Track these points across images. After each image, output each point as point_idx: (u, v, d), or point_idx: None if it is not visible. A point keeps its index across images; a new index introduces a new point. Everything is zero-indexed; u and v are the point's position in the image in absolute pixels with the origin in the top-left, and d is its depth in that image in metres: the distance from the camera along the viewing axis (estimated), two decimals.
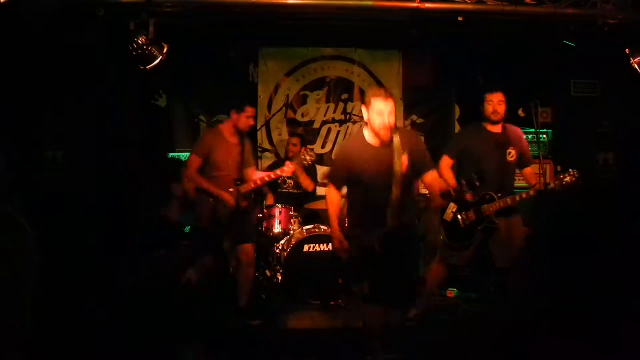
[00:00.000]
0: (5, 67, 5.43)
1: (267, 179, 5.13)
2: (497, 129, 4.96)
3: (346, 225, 4.33)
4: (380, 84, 7.48)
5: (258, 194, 6.29)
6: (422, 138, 4.35)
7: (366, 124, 3.99)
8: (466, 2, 5.34)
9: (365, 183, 3.89)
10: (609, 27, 5.37)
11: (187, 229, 6.15)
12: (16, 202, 1.42)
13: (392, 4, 5.40)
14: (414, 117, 7.54)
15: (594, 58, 6.52)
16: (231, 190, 5.00)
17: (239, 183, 5.04)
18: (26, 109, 5.98)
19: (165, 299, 4.04)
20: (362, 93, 7.45)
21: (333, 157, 4.37)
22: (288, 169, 5.11)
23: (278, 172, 5.13)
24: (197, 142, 5.21)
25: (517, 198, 4.72)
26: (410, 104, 7.54)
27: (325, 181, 4.50)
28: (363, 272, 3.90)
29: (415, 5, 5.28)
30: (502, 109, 4.92)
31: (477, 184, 4.67)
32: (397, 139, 3.80)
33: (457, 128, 7.49)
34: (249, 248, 5.13)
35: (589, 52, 6.41)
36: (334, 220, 4.01)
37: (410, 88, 7.53)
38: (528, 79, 6.64)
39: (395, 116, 3.90)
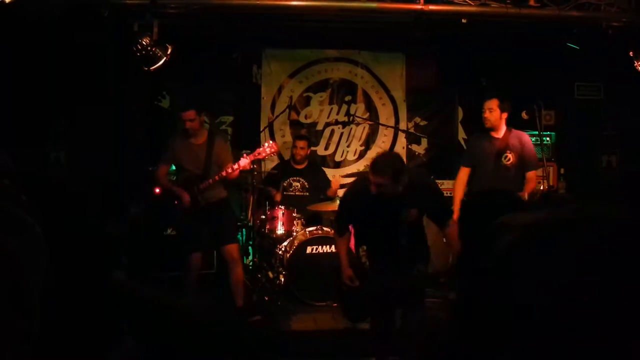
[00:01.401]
0: (8, 67, 5.45)
1: (223, 173, 5.20)
2: (498, 134, 5.08)
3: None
4: (383, 86, 7.48)
5: (264, 197, 6.31)
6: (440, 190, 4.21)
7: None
8: (470, 4, 5.35)
9: (370, 231, 3.93)
10: (613, 29, 5.37)
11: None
12: (26, 202, 1.42)
13: (396, 5, 5.41)
14: (417, 119, 7.54)
15: (598, 60, 6.51)
16: (194, 188, 5.22)
17: (198, 181, 5.22)
18: (29, 109, 5.99)
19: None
20: (365, 95, 7.45)
21: (339, 203, 4.41)
22: (243, 162, 5.24)
23: (234, 165, 5.22)
24: (165, 150, 5.44)
25: None
26: (413, 105, 7.53)
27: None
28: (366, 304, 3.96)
29: (418, 7, 5.29)
30: (492, 116, 5.06)
31: None
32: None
33: (460, 130, 7.50)
34: (231, 248, 5.26)
35: (592, 55, 6.41)
36: (343, 259, 4.02)
37: (413, 90, 7.53)
38: (531, 81, 6.64)
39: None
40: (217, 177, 5.22)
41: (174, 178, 5.69)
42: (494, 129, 5.09)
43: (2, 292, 0.93)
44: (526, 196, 4.81)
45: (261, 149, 5.38)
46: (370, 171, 3.62)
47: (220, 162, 5.31)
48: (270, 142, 5.53)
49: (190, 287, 5.19)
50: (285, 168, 6.68)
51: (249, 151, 5.72)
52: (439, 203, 3.95)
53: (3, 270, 0.94)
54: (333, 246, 5.51)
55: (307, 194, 6.45)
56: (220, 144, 5.42)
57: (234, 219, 5.79)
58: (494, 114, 5.03)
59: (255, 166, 5.92)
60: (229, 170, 5.19)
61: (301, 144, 6.56)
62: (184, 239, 5.37)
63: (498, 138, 5.09)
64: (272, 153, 5.49)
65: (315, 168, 6.73)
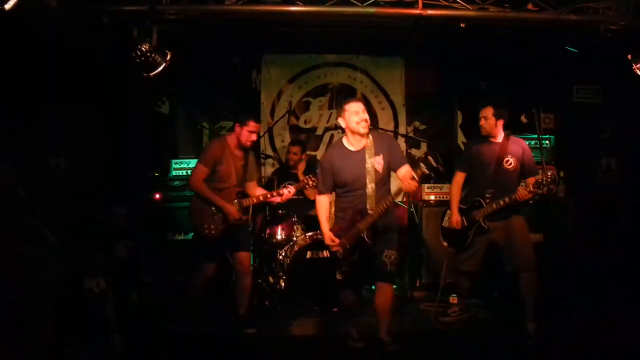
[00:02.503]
0: (9, 73, 5.46)
1: (262, 198, 5.15)
2: (496, 140, 5.10)
3: (335, 224, 4.65)
4: (382, 90, 7.50)
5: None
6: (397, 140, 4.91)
7: (344, 132, 4.56)
8: (468, 9, 5.37)
9: (349, 185, 4.45)
10: (611, 33, 5.39)
11: (190, 235, 6.17)
12: (39, 211, 1.43)
13: (395, 10, 5.43)
14: (416, 123, 7.55)
15: (596, 64, 6.53)
16: (234, 201, 5.01)
17: (240, 196, 5.05)
18: (30, 115, 6.01)
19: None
20: (365, 99, 7.46)
21: (318, 166, 4.67)
22: (286, 194, 5.14)
23: (275, 193, 5.18)
24: (205, 152, 5.12)
25: (501, 203, 4.88)
26: (412, 110, 7.55)
27: None
28: (352, 260, 4.46)
29: (417, 11, 5.30)
30: (487, 124, 5.09)
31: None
32: (369, 142, 4.44)
33: (460, 134, 7.51)
34: (244, 257, 5.10)
35: (591, 58, 6.43)
36: (324, 223, 4.55)
37: (412, 94, 7.55)
38: (530, 84, 6.66)
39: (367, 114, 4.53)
40: (262, 198, 5.13)
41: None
42: (491, 136, 5.11)
43: (18, 302, 0.93)
44: (514, 198, 4.82)
45: (305, 181, 5.26)
46: (348, 102, 4.54)
47: (250, 178, 5.20)
48: (310, 176, 5.27)
49: (195, 294, 5.13)
50: (282, 173, 6.70)
51: (292, 182, 5.86)
52: (397, 147, 4.64)
53: (20, 280, 0.95)
54: None
55: (302, 197, 6.46)
56: (252, 158, 5.28)
57: (248, 228, 5.61)
58: (489, 121, 5.05)
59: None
60: (269, 197, 5.17)
61: (294, 149, 6.59)
62: (203, 249, 5.08)
63: (497, 143, 5.09)
64: (311, 185, 5.25)
65: (312, 173, 6.73)
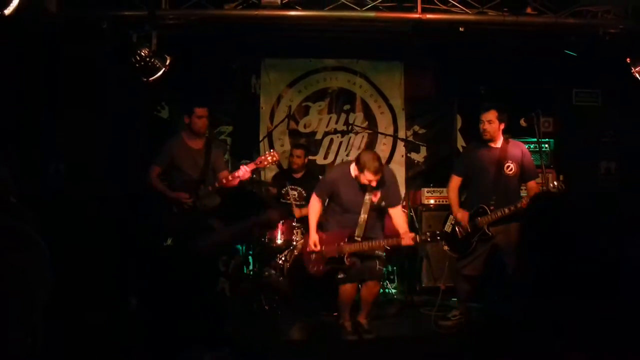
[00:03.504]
0: (8, 78, 5.46)
1: (224, 181, 5.28)
2: (496, 144, 5.08)
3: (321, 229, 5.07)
4: (382, 95, 7.50)
5: (261, 206, 6.31)
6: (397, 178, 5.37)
7: (356, 165, 4.80)
8: (467, 13, 5.38)
9: (344, 206, 4.91)
10: (610, 36, 5.40)
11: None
12: (30, 218, 1.43)
13: (394, 15, 5.44)
14: (416, 128, 7.55)
15: (595, 67, 6.54)
16: (192, 191, 5.27)
17: (197, 186, 5.30)
18: (28, 121, 6.00)
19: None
20: (364, 103, 7.47)
21: (325, 175, 5.22)
22: (243, 172, 5.28)
23: (235, 174, 5.29)
24: (159, 152, 5.46)
25: (506, 211, 4.88)
26: (412, 114, 7.54)
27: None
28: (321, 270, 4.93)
29: (416, 16, 5.31)
30: (491, 128, 5.05)
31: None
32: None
33: (459, 138, 7.50)
34: None
35: (590, 62, 6.44)
36: (313, 225, 4.98)
37: (412, 98, 7.54)
38: (530, 88, 6.65)
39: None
40: (217, 184, 5.26)
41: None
42: (493, 140, 5.09)
43: (9, 308, 0.93)
44: (519, 206, 4.82)
45: (262, 157, 5.40)
46: (368, 169, 4.66)
47: (217, 169, 5.41)
48: (272, 150, 5.55)
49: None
50: (283, 177, 6.69)
51: (247, 161, 5.76)
52: (394, 189, 5.07)
53: (11, 287, 0.94)
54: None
55: (304, 202, 6.44)
56: (217, 150, 5.55)
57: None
58: (493, 125, 5.02)
59: (254, 175, 5.93)
60: (230, 179, 5.22)
61: (298, 152, 6.57)
62: (178, 247, 5.24)
63: (497, 148, 5.08)
64: (274, 162, 5.47)
65: (313, 177, 6.72)
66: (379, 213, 5.01)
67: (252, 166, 5.35)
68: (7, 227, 1.01)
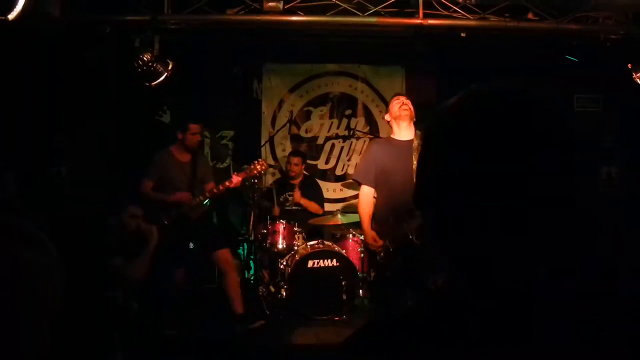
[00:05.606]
0: (11, 83, 5.48)
1: (215, 191, 5.27)
2: None
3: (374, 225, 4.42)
4: (383, 100, 7.50)
5: (262, 209, 6.31)
6: None
7: (390, 124, 4.48)
8: (468, 18, 5.39)
9: (392, 180, 4.21)
10: (611, 42, 5.41)
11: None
12: (38, 220, 1.43)
13: (396, 20, 5.45)
14: (418, 133, 7.54)
15: (597, 73, 6.55)
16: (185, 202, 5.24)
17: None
18: (31, 125, 6.01)
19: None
20: (366, 108, 7.47)
21: (361, 157, 4.75)
22: (235, 180, 5.30)
23: (226, 183, 5.29)
24: (149, 166, 5.40)
25: None
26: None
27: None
28: (398, 261, 4.09)
29: (418, 21, 5.32)
30: None
31: None
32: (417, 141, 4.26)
33: None
34: (222, 253, 5.26)
35: (591, 67, 6.44)
36: (366, 221, 4.33)
37: (413, 103, 7.48)
38: None
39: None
40: (208, 194, 5.28)
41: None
42: None
43: (19, 305, 0.93)
44: None
45: (252, 166, 5.43)
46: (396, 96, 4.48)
47: (204, 179, 5.44)
48: (260, 159, 5.56)
49: (175, 302, 5.18)
50: (282, 182, 6.70)
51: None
52: None
53: (19, 282, 0.94)
54: (334, 260, 5.58)
55: (300, 208, 6.44)
56: (203, 161, 5.61)
57: (217, 226, 5.93)
58: None
59: (255, 181, 5.94)
60: (221, 188, 5.26)
61: (295, 160, 6.56)
62: (170, 255, 5.11)
63: None
64: (263, 170, 5.52)
65: (311, 183, 6.72)
66: None
67: (242, 175, 5.40)
68: (16, 227, 1.01)
